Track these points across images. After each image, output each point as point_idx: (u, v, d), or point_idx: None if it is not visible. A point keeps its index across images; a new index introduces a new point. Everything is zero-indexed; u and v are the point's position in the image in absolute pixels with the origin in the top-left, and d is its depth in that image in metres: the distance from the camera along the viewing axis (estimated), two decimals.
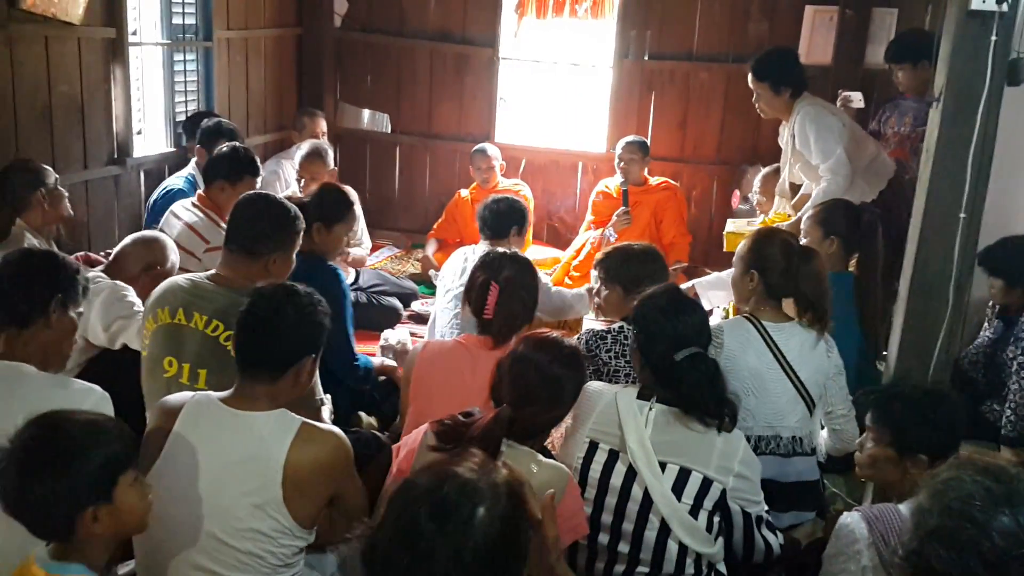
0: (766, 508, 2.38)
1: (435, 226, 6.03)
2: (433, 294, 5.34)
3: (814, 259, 2.94)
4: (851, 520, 2.10)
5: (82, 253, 3.79)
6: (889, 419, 2.23)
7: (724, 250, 4.58)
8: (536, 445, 2.21)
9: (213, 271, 2.82)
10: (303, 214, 3.27)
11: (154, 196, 4.49)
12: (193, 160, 4.58)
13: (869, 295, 3.40)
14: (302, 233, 2.94)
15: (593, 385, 2.44)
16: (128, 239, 3.40)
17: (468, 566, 1.38)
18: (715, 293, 4.58)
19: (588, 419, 2.35)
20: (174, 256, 3.39)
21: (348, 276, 4.95)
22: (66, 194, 3.75)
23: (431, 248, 5.88)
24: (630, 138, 5.66)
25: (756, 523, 2.32)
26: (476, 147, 5.94)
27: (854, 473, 2.94)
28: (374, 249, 5.91)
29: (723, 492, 2.24)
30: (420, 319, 4.97)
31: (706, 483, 2.23)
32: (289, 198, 3.37)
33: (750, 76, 4.21)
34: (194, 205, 3.93)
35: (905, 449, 2.19)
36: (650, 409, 2.29)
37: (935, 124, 2.65)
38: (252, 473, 2.05)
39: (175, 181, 4.48)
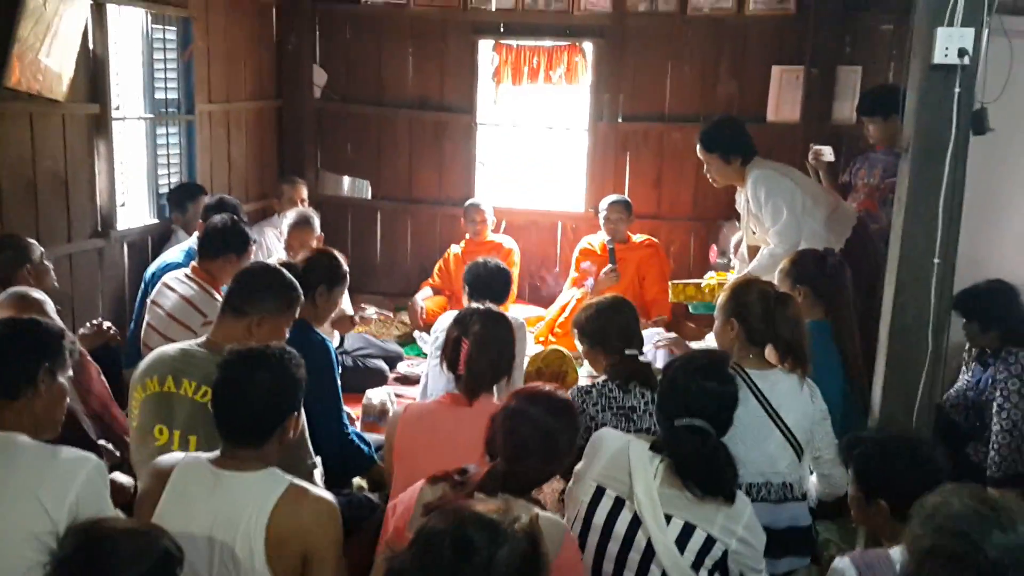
0: None
1: (432, 275, 6.20)
2: (418, 355, 5.38)
3: (790, 304, 2.99)
4: (842, 565, 2.13)
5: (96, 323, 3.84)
6: (854, 462, 2.31)
7: (670, 300, 4.76)
8: (530, 499, 2.22)
9: (205, 337, 2.83)
10: (297, 279, 3.30)
11: (151, 269, 4.40)
12: (195, 235, 4.52)
13: (846, 339, 3.45)
14: (297, 304, 2.94)
15: (606, 432, 2.47)
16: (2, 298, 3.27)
17: None
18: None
19: (598, 463, 2.37)
20: (52, 314, 3.28)
21: (334, 340, 4.97)
22: (51, 267, 3.76)
23: (423, 294, 6.02)
24: (614, 198, 5.76)
25: None
26: (470, 201, 6.13)
27: (845, 519, 2.98)
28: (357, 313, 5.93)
29: (725, 553, 2.24)
30: (406, 380, 4.99)
31: (709, 541, 2.23)
32: (283, 263, 3.38)
33: (699, 148, 4.30)
34: (188, 277, 3.85)
35: (868, 492, 2.25)
36: (661, 461, 2.30)
37: (905, 173, 2.73)
38: (239, 533, 2.05)
39: (174, 255, 4.41)
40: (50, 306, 3.32)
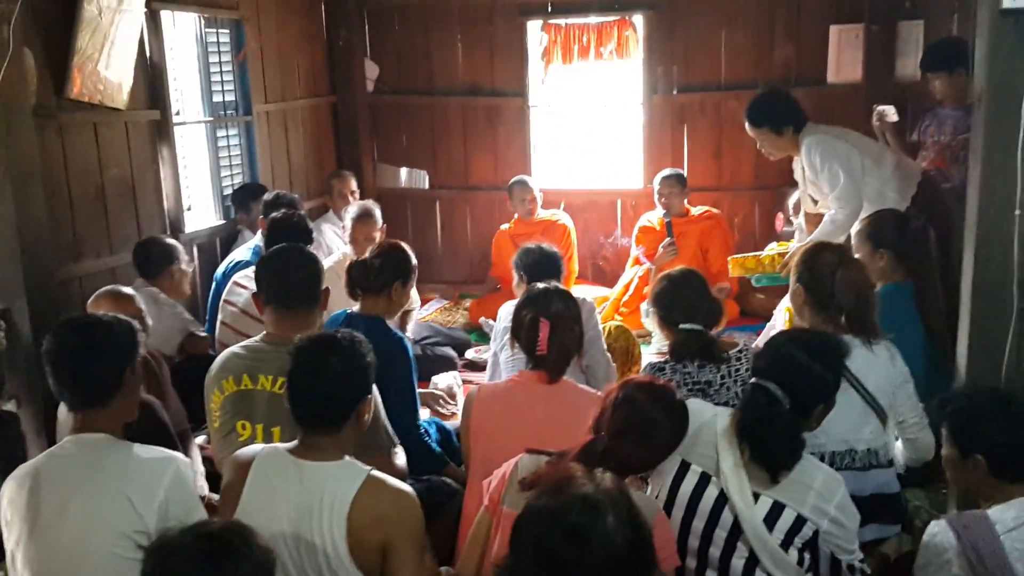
0: (860, 557, 2.32)
1: (492, 264, 6.16)
2: (484, 342, 5.39)
3: (853, 271, 2.91)
4: (939, 530, 2.08)
5: None
6: (947, 418, 2.24)
7: (730, 275, 4.70)
8: None
9: (265, 333, 2.87)
10: (372, 276, 3.33)
11: (222, 268, 4.55)
12: (259, 232, 4.64)
13: (929, 302, 3.35)
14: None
15: (693, 404, 2.42)
16: (97, 295, 3.41)
17: (619, 567, 1.52)
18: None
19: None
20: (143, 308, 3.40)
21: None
22: (189, 272, 4.05)
23: (489, 283, 6.06)
24: (666, 172, 5.69)
25: (849, 570, 2.26)
26: (515, 179, 5.98)
27: (935, 485, 2.91)
28: (423, 303, 5.97)
29: (815, 533, 2.19)
30: (474, 367, 5.00)
31: (799, 521, 2.18)
32: (355, 261, 3.43)
33: (747, 126, 4.24)
34: None
35: (964, 449, 2.18)
36: None
37: (979, 125, 2.63)
38: (321, 523, 2.07)
39: (242, 253, 4.55)
40: (140, 301, 3.43)
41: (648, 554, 1.57)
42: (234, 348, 2.86)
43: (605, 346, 3.81)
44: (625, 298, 5.55)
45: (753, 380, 2.29)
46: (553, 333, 2.72)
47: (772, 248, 4.59)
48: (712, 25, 6.15)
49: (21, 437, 3.25)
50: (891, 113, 4.61)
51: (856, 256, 3.39)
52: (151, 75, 4.67)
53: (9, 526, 2.13)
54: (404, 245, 3.56)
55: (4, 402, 3.43)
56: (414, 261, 3.51)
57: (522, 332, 2.80)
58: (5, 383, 3.56)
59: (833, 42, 5.92)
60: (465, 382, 4.57)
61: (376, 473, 2.15)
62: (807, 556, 2.20)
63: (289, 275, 2.87)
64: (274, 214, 4.17)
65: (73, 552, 2.05)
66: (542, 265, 3.80)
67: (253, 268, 3.96)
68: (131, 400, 2.27)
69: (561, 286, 3.04)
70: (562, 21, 6.35)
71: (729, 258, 4.62)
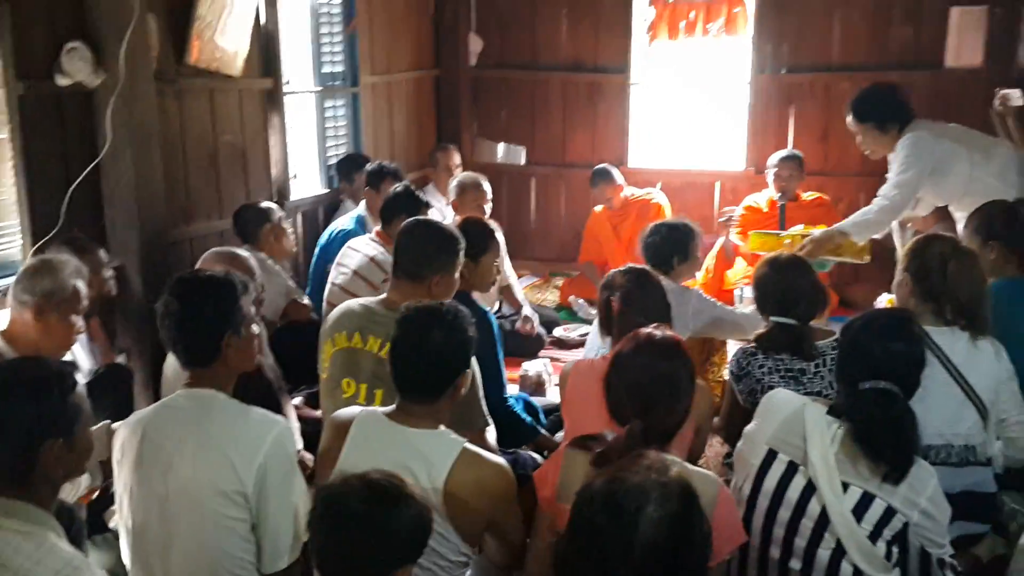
0: (951, 552, 2.25)
1: (581, 250, 6.02)
2: (574, 320, 5.42)
3: (968, 263, 2.81)
4: None
5: None
6: None
7: (748, 249, 4.58)
8: (673, 449, 2.17)
9: (384, 296, 2.94)
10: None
11: (326, 236, 4.69)
12: (363, 202, 4.78)
13: None
14: (462, 254, 2.98)
15: (781, 393, 2.40)
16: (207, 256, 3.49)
17: (638, 558, 1.50)
18: None
19: (770, 426, 2.30)
20: (254, 267, 3.43)
21: (493, 306, 5.05)
22: (288, 230, 4.17)
23: (588, 270, 5.92)
24: (784, 153, 5.53)
25: (939, 565, 2.20)
26: (596, 170, 5.81)
27: None
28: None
29: (905, 525, 2.14)
30: (563, 345, 5.03)
31: (889, 512, 2.13)
32: None
33: (850, 119, 4.10)
34: (372, 240, 4.09)
35: None
36: (839, 427, 2.20)
37: None
38: (417, 486, 2.10)
39: (345, 223, 4.68)
40: (252, 261, 3.49)
41: (695, 556, 1.56)
42: (351, 304, 2.94)
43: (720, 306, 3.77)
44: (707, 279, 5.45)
45: (865, 386, 2.19)
46: (621, 311, 2.76)
47: (796, 229, 4.43)
48: (826, 3, 5.97)
49: (131, 389, 3.42)
50: (1016, 96, 4.40)
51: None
52: (265, 44, 4.80)
53: (120, 467, 2.21)
54: (479, 219, 3.54)
55: (115, 355, 3.62)
56: (495, 236, 3.44)
57: (602, 313, 2.87)
58: (117, 336, 3.77)
59: (953, 24, 5.67)
60: (553, 360, 4.60)
61: (470, 446, 2.20)
62: (895, 549, 2.15)
63: (415, 247, 2.92)
64: (396, 186, 4.26)
65: (177, 504, 2.12)
66: (665, 244, 3.71)
67: (369, 235, 4.15)
68: (237, 361, 2.26)
69: (639, 267, 3.02)
70: None
71: (751, 232, 4.49)
